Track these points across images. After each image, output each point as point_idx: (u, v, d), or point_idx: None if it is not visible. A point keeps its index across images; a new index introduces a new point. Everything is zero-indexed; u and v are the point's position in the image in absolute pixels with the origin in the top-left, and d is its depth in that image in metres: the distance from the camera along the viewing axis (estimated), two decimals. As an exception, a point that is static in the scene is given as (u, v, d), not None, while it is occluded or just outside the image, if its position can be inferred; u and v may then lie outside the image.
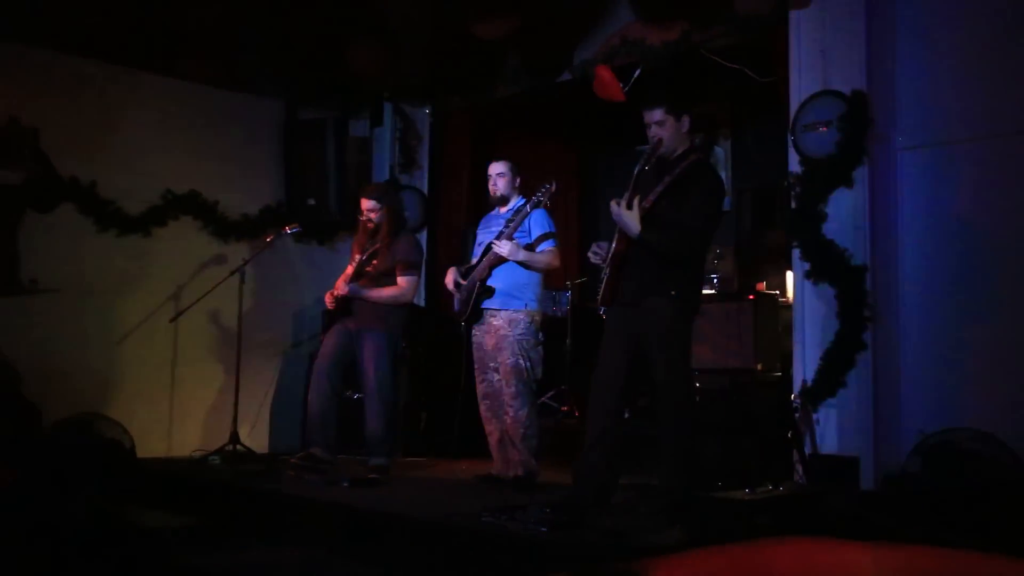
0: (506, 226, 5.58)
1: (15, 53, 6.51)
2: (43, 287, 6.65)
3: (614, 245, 4.57)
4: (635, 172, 4.59)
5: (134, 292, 7.07)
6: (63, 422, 6.27)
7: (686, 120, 4.63)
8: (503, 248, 5.46)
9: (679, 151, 4.62)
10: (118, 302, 7.02)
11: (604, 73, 6.48)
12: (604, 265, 4.63)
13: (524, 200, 5.63)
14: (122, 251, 7.02)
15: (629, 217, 4.43)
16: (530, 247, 5.59)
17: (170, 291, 7.14)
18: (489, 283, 5.60)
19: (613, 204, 4.49)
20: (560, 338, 7.16)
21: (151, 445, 6.81)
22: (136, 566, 5.19)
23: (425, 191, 8.01)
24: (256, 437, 7.30)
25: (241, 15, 6.95)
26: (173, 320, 6.89)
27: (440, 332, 7.28)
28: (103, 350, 6.92)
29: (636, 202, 4.44)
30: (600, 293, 4.66)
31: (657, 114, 4.57)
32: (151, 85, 7.24)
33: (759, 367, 5.66)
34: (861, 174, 5.19)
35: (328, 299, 6.17)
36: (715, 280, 6.23)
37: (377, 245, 6.06)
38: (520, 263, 5.53)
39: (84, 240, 6.86)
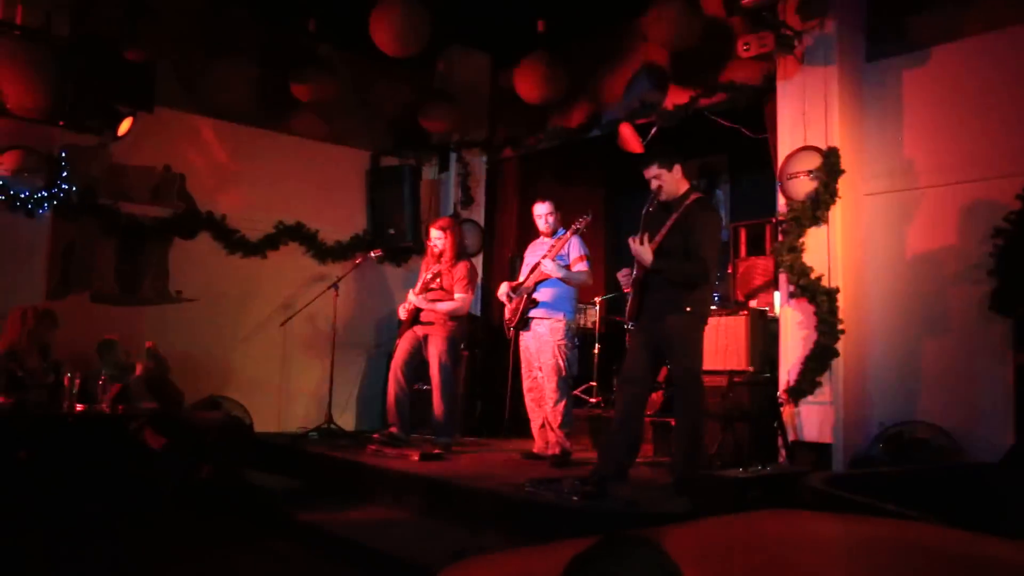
0: (549, 250, 5.59)
1: (169, 117, 6.67)
2: (186, 297, 6.82)
3: (635, 272, 4.59)
4: (643, 214, 4.63)
5: (253, 301, 7.17)
6: (199, 402, 6.39)
7: (677, 168, 4.59)
8: (547, 267, 5.47)
9: (681, 192, 4.60)
10: (241, 309, 7.12)
11: (626, 130, 6.48)
12: (630, 288, 4.65)
13: (564, 230, 5.64)
14: (244, 269, 7.14)
15: (643, 252, 4.43)
16: (567, 267, 5.60)
17: (280, 301, 7.21)
18: (534, 296, 5.62)
19: (631, 241, 4.50)
20: (590, 344, 7.15)
21: (265, 422, 6.87)
22: (254, 517, 5.27)
23: (482, 223, 8.03)
24: (346, 418, 7.34)
25: (340, 86, 7.09)
26: (283, 324, 6.96)
27: (492, 338, 7.29)
28: (230, 346, 7.03)
29: (646, 238, 4.45)
30: (627, 310, 4.68)
31: (652, 170, 4.57)
32: (268, 140, 7.36)
33: (751, 369, 5.61)
34: (835, 214, 5.14)
35: (401, 311, 6.22)
36: (716, 297, 6.19)
37: (442, 267, 6.09)
38: (560, 279, 5.54)
39: (216, 260, 6.99)
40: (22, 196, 6.00)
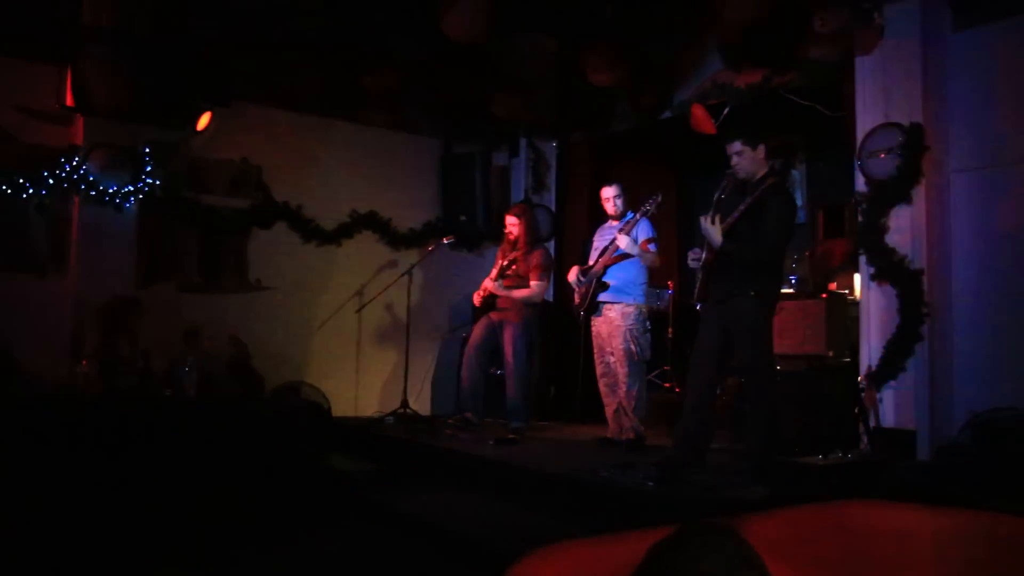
0: (618, 233, 5.53)
1: (245, 111, 6.81)
2: (264, 286, 7.00)
3: (705, 254, 4.53)
4: (716, 195, 4.54)
5: (329, 289, 7.31)
6: (279, 388, 6.55)
7: (761, 149, 4.51)
8: (622, 241, 5.40)
9: (758, 175, 4.50)
10: (317, 297, 7.27)
11: (698, 111, 6.36)
12: (698, 268, 4.58)
13: (633, 213, 5.57)
14: (320, 257, 7.28)
15: (713, 231, 4.39)
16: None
17: (355, 288, 7.33)
18: (604, 280, 5.57)
19: (702, 219, 4.46)
20: (663, 327, 7.06)
21: (342, 407, 7.00)
22: (333, 499, 5.39)
23: (553, 208, 8.01)
24: (420, 403, 7.41)
25: (410, 75, 7.13)
26: (359, 311, 7.10)
27: (565, 324, 7.27)
28: (307, 333, 7.18)
29: (718, 219, 4.39)
30: (696, 291, 4.62)
31: (736, 146, 4.49)
32: (341, 130, 7.47)
33: (830, 354, 5.46)
34: (918, 193, 4.95)
35: (476, 297, 6.25)
36: (794, 281, 6.04)
37: (516, 253, 6.10)
38: (633, 256, 5.46)
39: (293, 250, 7.15)
40: (110, 191, 6.24)
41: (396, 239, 7.62)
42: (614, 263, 5.55)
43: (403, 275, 6.86)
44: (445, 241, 7.02)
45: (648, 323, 5.61)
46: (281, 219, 7.11)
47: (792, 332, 5.44)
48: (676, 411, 5.95)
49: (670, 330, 7.03)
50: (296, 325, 7.11)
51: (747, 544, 1.38)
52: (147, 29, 5.91)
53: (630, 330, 5.46)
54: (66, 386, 5.32)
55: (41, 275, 6.24)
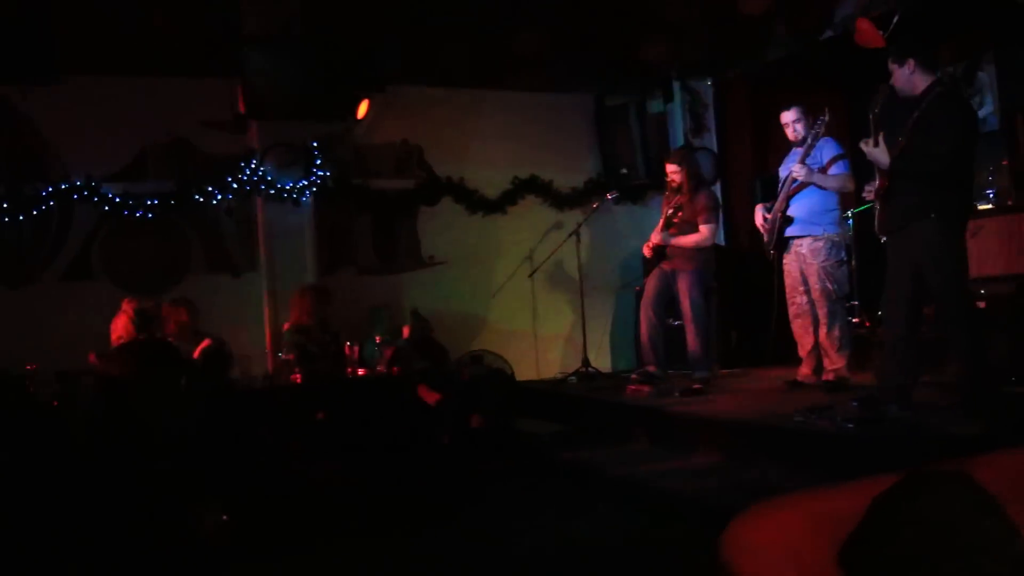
0: (800, 160, 5.24)
1: (399, 94, 7.00)
2: (437, 260, 7.27)
3: (877, 181, 4.24)
4: (871, 112, 4.21)
5: (499, 257, 7.47)
6: (462, 357, 6.78)
7: (910, 63, 4.11)
8: (798, 172, 5.14)
9: (920, 88, 4.13)
10: (489, 265, 7.45)
11: (864, 25, 5.90)
12: (874, 200, 4.30)
13: (811, 134, 5.25)
14: (487, 227, 7.46)
15: (878, 152, 4.09)
16: (822, 170, 5.21)
17: (525, 253, 7.43)
18: (789, 214, 5.31)
19: (862, 144, 4.17)
20: (850, 256, 6.67)
21: (524, 371, 7.16)
22: (523, 460, 5.55)
23: (715, 149, 7.77)
24: (601, 360, 7.43)
25: (555, 35, 7.08)
26: (531, 276, 7.20)
27: (741, 265, 7.06)
28: (483, 302, 7.39)
29: (881, 138, 4.09)
30: (876, 224, 4.33)
31: (889, 65, 4.15)
32: (493, 100, 7.56)
33: (1043, 271, 4.98)
34: None
35: (645, 249, 6.17)
36: (991, 195, 5.54)
37: (681, 199, 5.97)
38: (816, 185, 5.18)
39: (460, 222, 7.37)
40: (287, 188, 6.64)
41: (560, 200, 7.65)
42: (795, 193, 5.27)
43: (570, 235, 6.87)
44: (609, 197, 6.96)
45: (843, 254, 5.29)
46: (446, 194, 7.32)
47: (996, 252, 5.01)
48: (868, 347, 5.68)
49: (854, 262, 6.65)
50: (472, 295, 7.33)
51: (982, 490, 1.30)
52: (300, 31, 6.21)
53: (823, 267, 5.15)
54: (270, 375, 5.74)
55: (236, 273, 6.78)
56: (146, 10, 5.87)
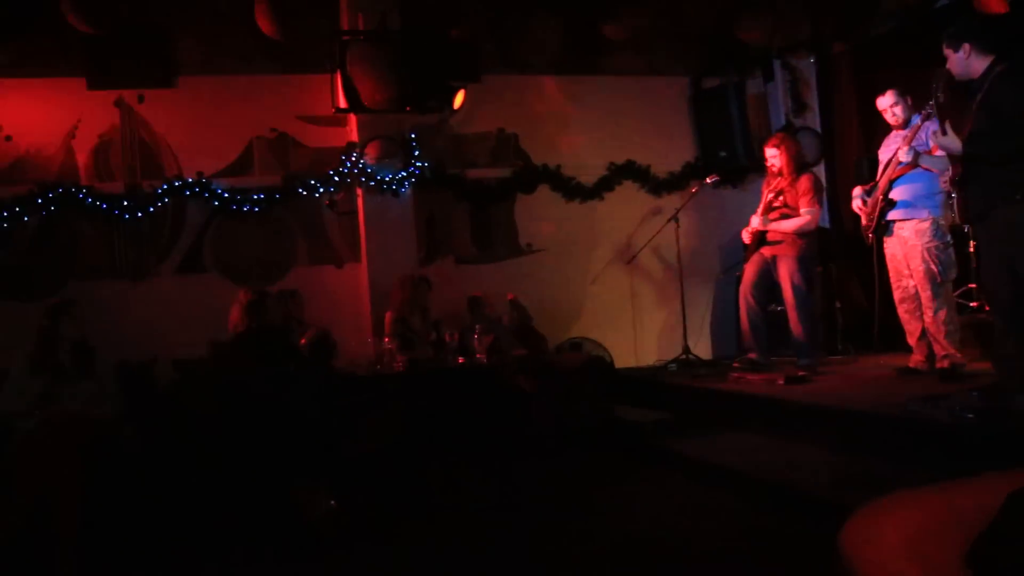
0: (903, 143, 5.03)
1: (494, 83, 7.02)
2: (535, 248, 7.31)
3: (951, 169, 4.06)
4: (933, 100, 4.18)
5: (596, 244, 7.46)
6: (561, 345, 6.81)
7: (965, 47, 3.96)
8: (903, 154, 4.94)
9: (980, 70, 3.95)
10: (586, 252, 7.46)
11: (985, -11, 5.60)
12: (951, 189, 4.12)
13: (918, 115, 5.04)
14: (584, 214, 7.45)
15: (948, 140, 3.97)
16: (928, 153, 5.01)
17: (623, 239, 7.41)
18: (891, 196, 5.11)
19: (932, 136, 4.06)
20: (964, 240, 6.38)
21: (623, 359, 7.15)
22: (626, 450, 5.52)
23: (818, 129, 7.52)
24: (701, 347, 7.34)
25: (649, 17, 6.98)
26: (629, 262, 7.17)
27: (847, 249, 6.82)
28: (580, 289, 7.41)
29: (947, 125, 3.96)
30: (956, 213, 4.15)
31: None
32: (587, 85, 7.53)
33: None
34: None
35: (744, 235, 6.03)
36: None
37: (782, 183, 5.81)
38: (924, 168, 4.97)
39: (557, 209, 7.38)
40: (386, 179, 6.78)
41: (657, 185, 7.58)
42: (899, 176, 5.07)
43: (669, 221, 6.78)
44: (708, 181, 6.82)
45: (949, 237, 5.07)
46: (542, 181, 7.35)
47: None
48: (989, 333, 5.40)
49: (972, 244, 6.34)
50: (569, 283, 7.35)
51: None
52: (397, 24, 6.31)
53: (928, 249, 4.97)
54: (373, 362, 5.89)
55: (339, 264, 6.99)
56: (250, 11, 6.07)
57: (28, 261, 6.46)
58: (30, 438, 4.07)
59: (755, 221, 5.88)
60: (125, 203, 6.59)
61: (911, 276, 5.07)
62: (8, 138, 6.47)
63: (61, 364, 4.41)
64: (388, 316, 6.26)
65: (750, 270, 6.02)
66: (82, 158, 6.63)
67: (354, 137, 6.87)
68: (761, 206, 5.91)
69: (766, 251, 5.92)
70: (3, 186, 6.42)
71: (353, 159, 6.79)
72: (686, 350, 6.76)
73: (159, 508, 4.14)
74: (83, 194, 6.51)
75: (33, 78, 6.46)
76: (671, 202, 7.34)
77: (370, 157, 6.77)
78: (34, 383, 4.28)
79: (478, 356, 5.95)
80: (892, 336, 5.61)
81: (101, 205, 6.54)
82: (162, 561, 3.85)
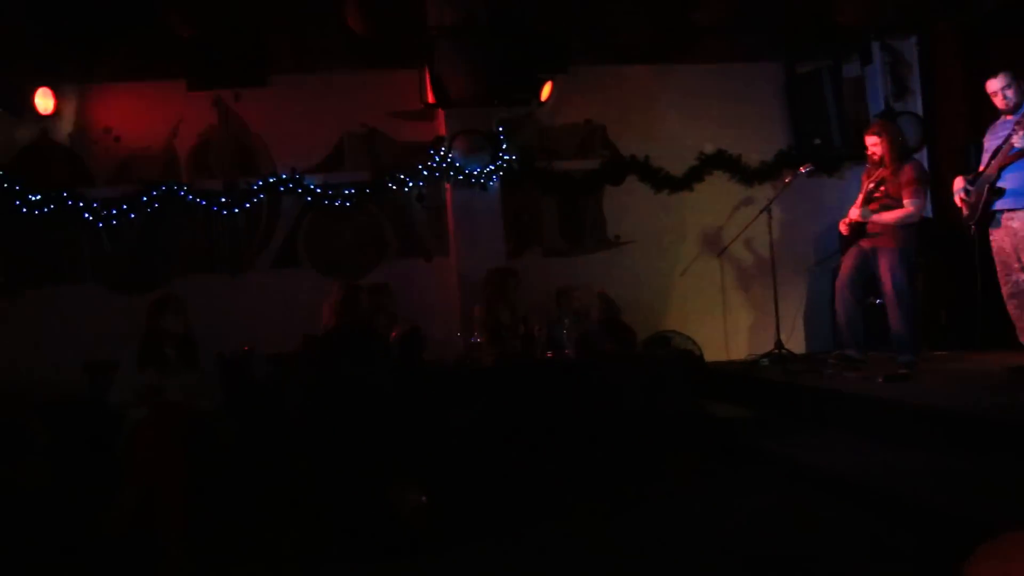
0: (1014, 129, 4.76)
1: (582, 74, 6.98)
2: (623, 240, 7.26)
3: None
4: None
5: (686, 235, 7.36)
6: (650, 338, 6.73)
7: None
8: (1018, 139, 4.68)
9: None
10: (675, 244, 7.37)
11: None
12: None
13: None
14: (673, 205, 7.35)
15: None
16: None
17: (713, 231, 7.28)
18: (999, 185, 4.86)
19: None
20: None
21: (712, 352, 7.01)
22: (717, 445, 5.42)
23: (920, 113, 7.19)
24: (794, 341, 7.12)
25: (739, 1, 6.79)
26: (719, 255, 7.03)
27: (953, 240, 6.51)
28: (669, 282, 7.33)
29: None
30: None
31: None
32: (675, 74, 7.43)
33: None
34: None
35: (842, 226, 5.83)
36: None
37: (883, 172, 5.59)
38: None
39: (646, 201, 7.32)
40: (475, 173, 6.82)
41: (749, 175, 7.41)
42: (1010, 163, 4.81)
43: (762, 212, 6.61)
44: (802, 170, 6.57)
45: None
46: (631, 173, 7.28)
47: None
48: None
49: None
50: (658, 275, 7.27)
51: None
52: (485, 19, 6.31)
53: (1040, 240, 4.72)
54: (463, 357, 5.93)
55: (428, 258, 7.08)
56: (339, 10, 6.17)
57: (135, 256, 6.78)
58: (140, 430, 4.26)
59: (854, 212, 5.68)
60: (223, 199, 6.82)
61: (1022, 270, 4.82)
62: (116, 139, 6.79)
63: (166, 357, 4.58)
64: (477, 310, 6.30)
65: (847, 262, 5.83)
66: (183, 156, 6.90)
67: (442, 131, 6.93)
68: (861, 196, 5.70)
69: (865, 243, 5.71)
70: (112, 185, 6.75)
71: (441, 153, 6.85)
72: (778, 344, 6.57)
73: (255, 500, 4.27)
74: (184, 191, 6.77)
75: (138, 81, 6.74)
76: (763, 192, 7.18)
77: (458, 151, 6.82)
78: (142, 376, 4.45)
79: (566, 351, 5.92)
80: (999, 332, 5.34)
81: (201, 202, 6.79)
82: (259, 553, 3.94)
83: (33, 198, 6.51)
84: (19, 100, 6.31)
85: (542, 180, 7.14)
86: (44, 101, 6.41)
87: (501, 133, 6.86)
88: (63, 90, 6.56)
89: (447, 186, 6.97)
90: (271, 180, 6.89)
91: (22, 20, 5.47)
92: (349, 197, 6.93)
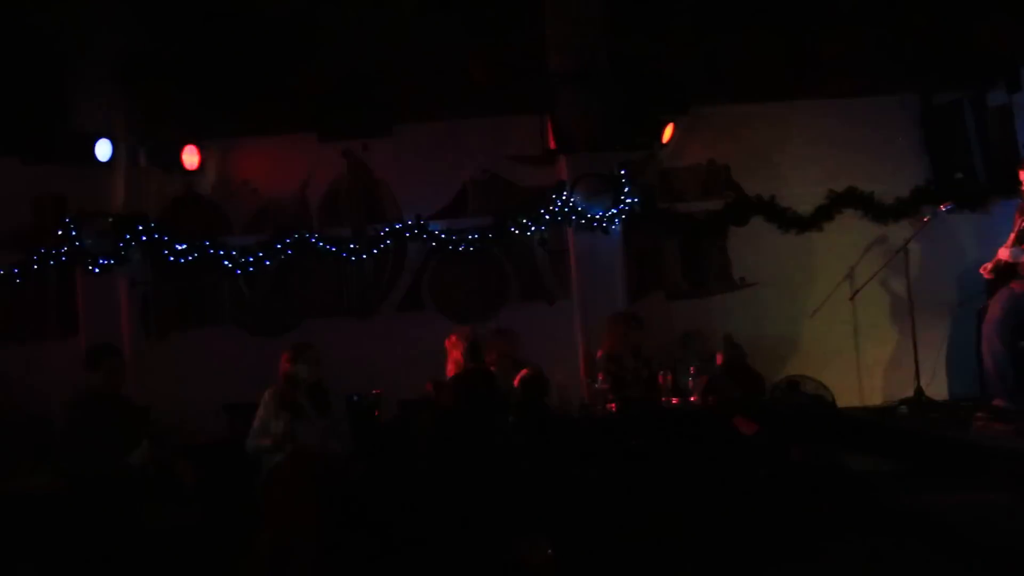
0: None
1: (704, 114, 6.95)
2: (749, 282, 7.12)
3: None
4: None
5: (815, 276, 7.11)
6: (779, 384, 6.50)
7: None
8: None
9: None
10: (804, 285, 7.12)
11: None
12: None
13: None
14: (801, 245, 7.14)
15: None
16: None
17: (844, 271, 7.01)
18: None
19: None
20: None
21: (845, 398, 6.70)
22: (852, 500, 5.16)
23: (1077, 144, 6.74)
24: (935, 388, 6.73)
25: (867, 33, 6.60)
26: (852, 297, 6.76)
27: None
28: (798, 325, 7.08)
29: None
30: None
31: None
32: (801, 110, 7.24)
33: None
34: None
35: (983, 270, 5.52)
36: None
37: (1045, 209, 5.27)
38: None
39: (772, 242, 7.14)
40: (597, 216, 6.82)
41: (882, 212, 7.11)
42: None
43: (898, 252, 6.34)
44: (943, 208, 6.29)
45: None
46: (756, 213, 7.13)
47: None
48: None
49: None
50: (786, 318, 7.06)
51: None
52: (605, 64, 6.36)
53: None
54: (587, 403, 5.90)
55: (550, 302, 7.13)
56: (461, 59, 6.35)
57: (270, 300, 7.14)
58: (277, 474, 4.44)
59: (1004, 252, 5.36)
60: (352, 245, 7.09)
61: None
62: (254, 190, 7.20)
63: (299, 402, 4.78)
64: (600, 355, 6.26)
65: (996, 305, 5.49)
66: (314, 205, 7.24)
67: (563, 175, 6.98)
68: (1012, 236, 5.38)
69: (1016, 285, 5.38)
70: (249, 233, 7.14)
71: (564, 197, 6.90)
72: (918, 391, 6.25)
73: (382, 545, 4.35)
74: (315, 238, 7.08)
75: (273, 135, 7.14)
76: (899, 229, 6.88)
77: (581, 195, 6.84)
78: (278, 421, 4.65)
79: (692, 398, 5.80)
80: None
81: (331, 248, 7.09)
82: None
83: (179, 247, 6.97)
84: (169, 157, 6.80)
85: (665, 222, 7.09)
86: (190, 157, 6.89)
87: (623, 176, 6.84)
88: (207, 146, 7.01)
89: (569, 230, 7.00)
90: (397, 226, 7.11)
91: (172, 86, 5.93)
92: (472, 242, 7.07)
